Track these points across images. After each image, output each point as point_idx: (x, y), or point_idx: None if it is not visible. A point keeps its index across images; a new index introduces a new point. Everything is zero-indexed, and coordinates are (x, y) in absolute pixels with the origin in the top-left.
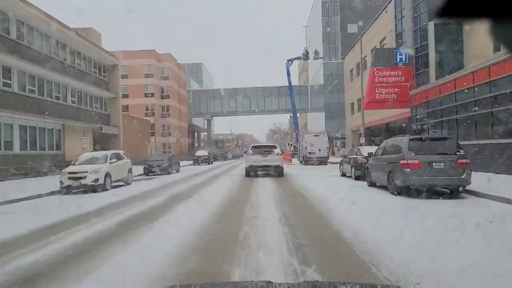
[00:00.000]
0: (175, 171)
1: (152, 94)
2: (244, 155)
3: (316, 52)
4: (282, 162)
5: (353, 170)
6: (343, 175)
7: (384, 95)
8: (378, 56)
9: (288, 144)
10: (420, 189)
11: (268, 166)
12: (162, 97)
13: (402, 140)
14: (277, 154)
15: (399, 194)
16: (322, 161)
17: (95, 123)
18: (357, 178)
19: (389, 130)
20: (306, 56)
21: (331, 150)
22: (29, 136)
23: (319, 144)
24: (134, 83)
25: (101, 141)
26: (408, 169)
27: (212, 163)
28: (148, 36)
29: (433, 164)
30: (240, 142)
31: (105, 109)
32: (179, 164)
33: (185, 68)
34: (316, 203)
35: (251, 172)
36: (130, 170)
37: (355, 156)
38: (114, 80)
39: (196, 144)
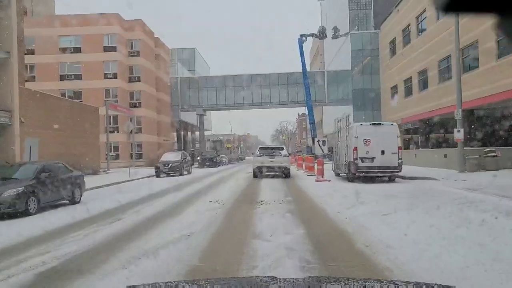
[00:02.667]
0: (66, 200)
1: (115, 75)
2: (246, 158)
3: (335, 29)
4: (289, 164)
5: None
6: None
7: None
8: None
9: (319, 141)
10: None
11: (275, 167)
12: (131, 80)
13: None
14: (283, 156)
15: None
16: (389, 175)
17: None
18: None
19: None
20: (322, 34)
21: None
22: None
23: (383, 141)
24: (89, 60)
25: None
26: None
27: (188, 172)
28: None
29: None
30: (241, 142)
31: None
32: (80, 183)
33: (168, 49)
34: None
35: (258, 172)
36: None
37: None
38: (3, 28)
39: (191, 146)
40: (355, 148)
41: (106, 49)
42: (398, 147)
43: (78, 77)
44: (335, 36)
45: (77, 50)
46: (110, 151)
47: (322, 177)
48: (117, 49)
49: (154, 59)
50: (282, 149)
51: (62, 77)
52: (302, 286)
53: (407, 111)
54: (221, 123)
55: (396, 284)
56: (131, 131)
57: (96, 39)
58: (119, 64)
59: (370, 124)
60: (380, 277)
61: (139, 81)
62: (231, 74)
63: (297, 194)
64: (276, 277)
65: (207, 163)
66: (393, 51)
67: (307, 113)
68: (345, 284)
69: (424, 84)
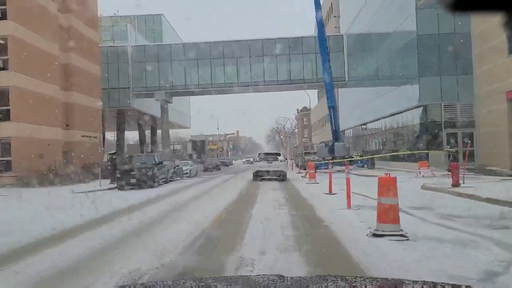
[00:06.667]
0: None
1: None
2: (235, 162)
3: None
4: (285, 168)
5: None
6: None
7: None
8: None
9: None
10: None
11: (272, 171)
12: None
13: None
14: (280, 161)
15: None
16: None
17: None
18: None
19: None
20: None
21: None
22: None
23: None
24: None
25: None
26: None
27: None
28: None
29: None
30: (231, 143)
31: None
32: None
33: None
34: None
35: (258, 176)
36: None
37: None
38: None
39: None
40: None
41: None
42: None
43: None
44: None
45: None
46: None
47: None
48: None
49: None
50: (279, 155)
51: None
52: (309, 284)
53: None
54: (214, 123)
55: (405, 283)
56: None
57: None
58: None
59: None
60: None
61: (5, 18)
62: (206, 41)
63: None
64: (283, 276)
65: (132, 180)
66: None
67: (325, 93)
68: (352, 282)
69: None
